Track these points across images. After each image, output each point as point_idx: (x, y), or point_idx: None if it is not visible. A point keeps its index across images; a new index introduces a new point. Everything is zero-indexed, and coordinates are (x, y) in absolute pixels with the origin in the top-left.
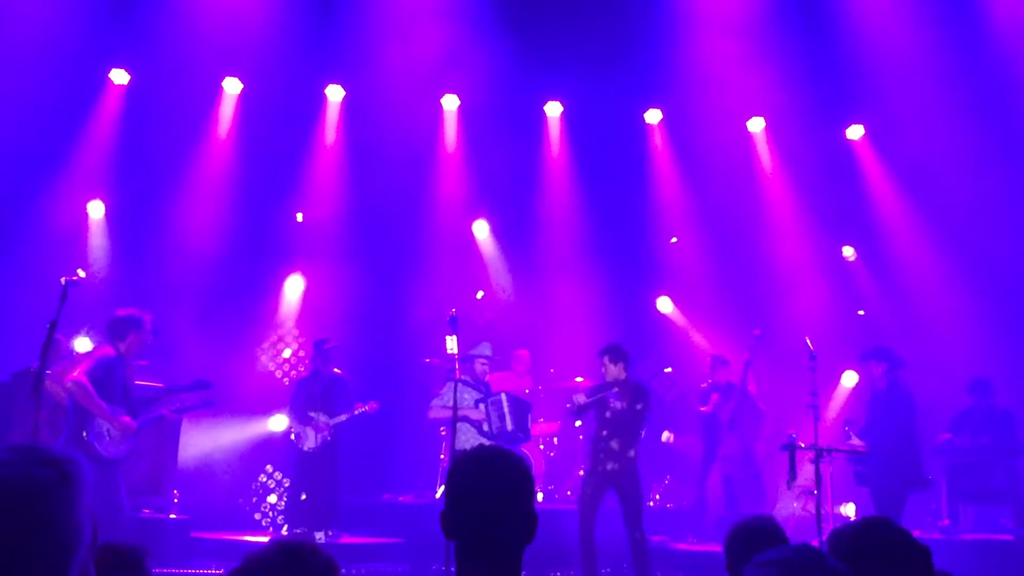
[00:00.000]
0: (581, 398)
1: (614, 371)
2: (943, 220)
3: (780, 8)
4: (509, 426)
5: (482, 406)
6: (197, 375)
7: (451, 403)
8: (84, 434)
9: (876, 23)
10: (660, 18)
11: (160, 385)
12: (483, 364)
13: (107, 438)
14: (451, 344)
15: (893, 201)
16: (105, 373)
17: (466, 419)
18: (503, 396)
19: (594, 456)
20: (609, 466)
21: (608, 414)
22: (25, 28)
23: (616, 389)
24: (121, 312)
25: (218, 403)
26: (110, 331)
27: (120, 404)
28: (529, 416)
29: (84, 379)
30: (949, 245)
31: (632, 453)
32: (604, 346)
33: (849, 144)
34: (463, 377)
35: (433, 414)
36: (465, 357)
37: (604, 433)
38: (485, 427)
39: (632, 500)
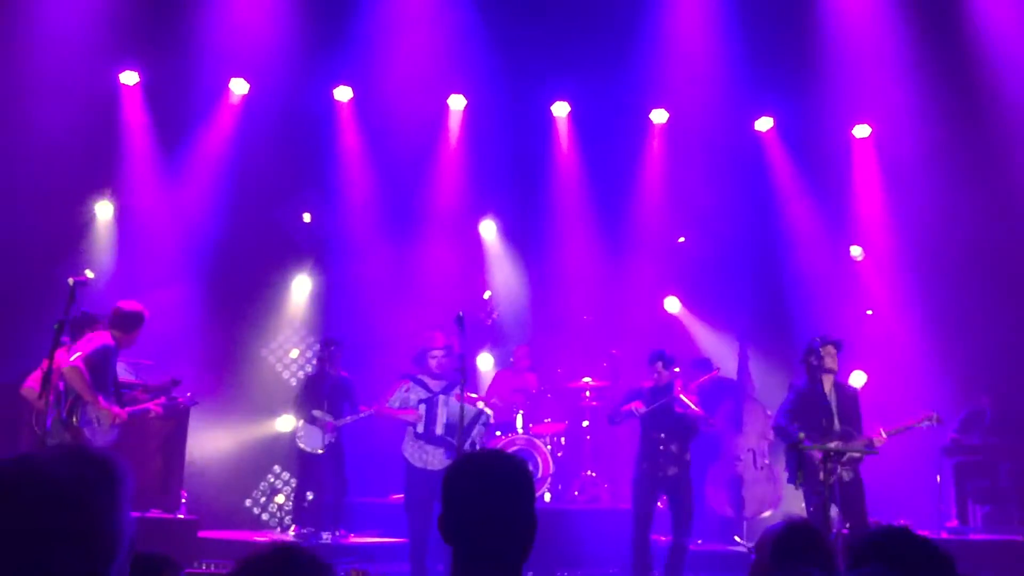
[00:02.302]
0: (640, 409)
1: (667, 376)
2: (953, 218)
3: (787, 7)
4: (439, 430)
5: (422, 407)
6: (201, 377)
7: (396, 404)
8: (74, 420)
9: (882, 22)
10: (665, 18)
11: (138, 381)
12: (433, 357)
13: (95, 425)
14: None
15: (902, 200)
16: (102, 361)
17: (406, 421)
18: (440, 399)
19: (651, 460)
20: (670, 471)
21: (664, 417)
22: (34, 29)
23: (678, 393)
24: (127, 305)
25: (225, 397)
26: (113, 322)
27: (110, 394)
28: (476, 425)
29: (81, 365)
30: (960, 243)
31: (688, 457)
32: (653, 352)
33: (857, 143)
34: (418, 376)
35: (379, 414)
36: (417, 353)
37: (662, 436)
38: (419, 428)
39: (687, 506)
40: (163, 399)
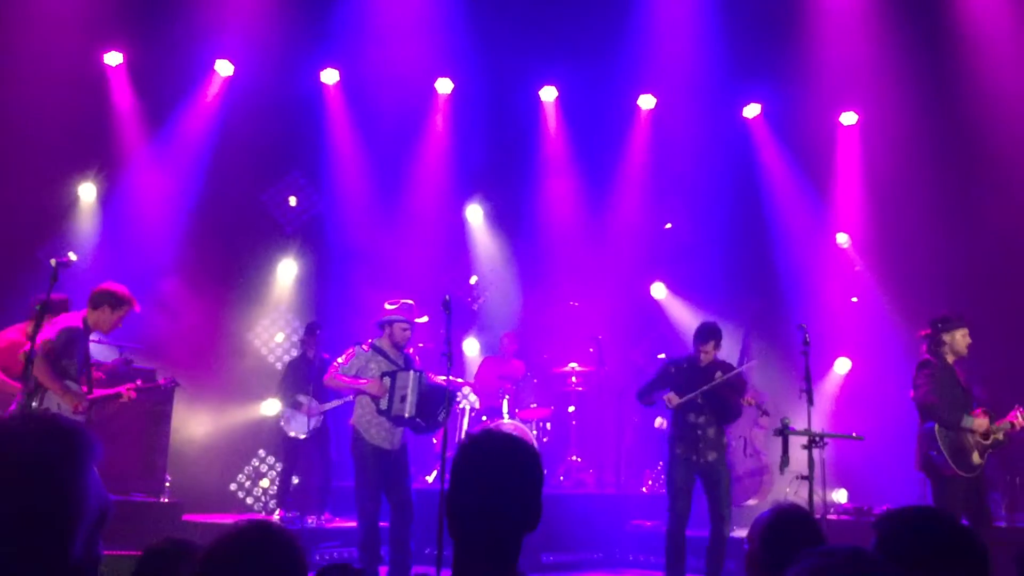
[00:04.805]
0: (673, 400)
1: (713, 356)
2: (939, 206)
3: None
4: (408, 412)
5: (386, 380)
6: (186, 361)
7: (352, 372)
8: (34, 405)
9: (870, 10)
10: (654, 4)
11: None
12: (405, 329)
13: (57, 412)
14: (423, 319)
15: (888, 187)
16: (66, 345)
17: (365, 393)
18: (411, 375)
19: (687, 444)
20: (710, 456)
21: (700, 399)
22: (17, 9)
23: (720, 374)
24: (108, 285)
25: (210, 381)
26: (88, 301)
27: (78, 378)
28: (443, 406)
29: (40, 350)
30: (946, 231)
31: (726, 440)
32: (706, 327)
33: (844, 131)
34: (376, 343)
35: (328, 381)
36: (383, 320)
37: (701, 419)
38: (383, 404)
39: (726, 493)
40: (139, 382)
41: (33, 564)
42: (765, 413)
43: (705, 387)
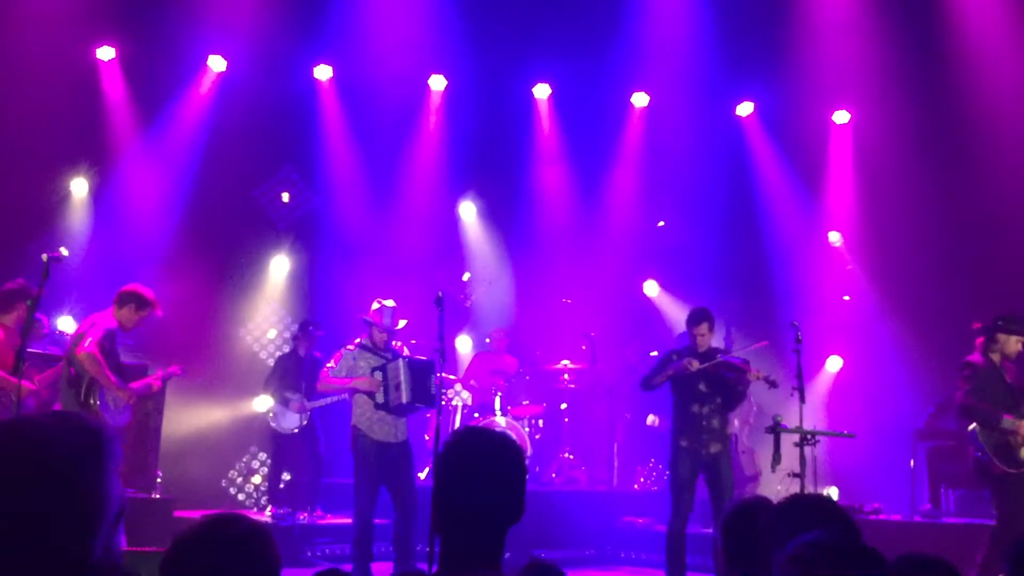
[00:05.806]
0: (694, 364)
1: (710, 339)
2: (931, 204)
3: None
4: (405, 397)
5: (378, 374)
6: (178, 357)
7: (343, 373)
8: (92, 402)
9: (863, 9)
10: (648, 2)
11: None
12: (382, 332)
13: (112, 408)
14: (401, 324)
15: (880, 186)
16: (111, 344)
17: (359, 390)
18: (400, 363)
19: (692, 435)
20: (713, 448)
21: (703, 387)
22: (8, 3)
23: (721, 359)
24: (135, 286)
25: (202, 377)
26: (122, 301)
27: (117, 374)
28: (432, 377)
29: (96, 350)
30: (939, 229)
31: (729, 431)
32: (697, 311)
33: (836, 129)
34: (362, 341)
35: (321, 386)
36: (365, 319)
37: (704, 410)
38: (379, 398)
39: (729, 487)
40: (160, 372)
41: (57, 561)
42: (773, 384)
43: (718, 359)
